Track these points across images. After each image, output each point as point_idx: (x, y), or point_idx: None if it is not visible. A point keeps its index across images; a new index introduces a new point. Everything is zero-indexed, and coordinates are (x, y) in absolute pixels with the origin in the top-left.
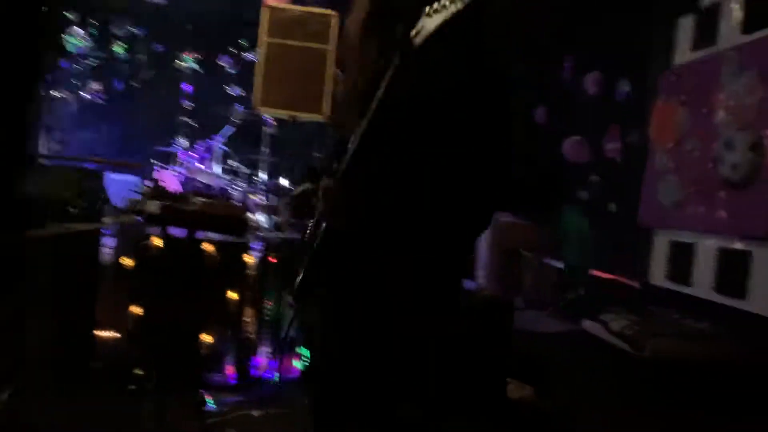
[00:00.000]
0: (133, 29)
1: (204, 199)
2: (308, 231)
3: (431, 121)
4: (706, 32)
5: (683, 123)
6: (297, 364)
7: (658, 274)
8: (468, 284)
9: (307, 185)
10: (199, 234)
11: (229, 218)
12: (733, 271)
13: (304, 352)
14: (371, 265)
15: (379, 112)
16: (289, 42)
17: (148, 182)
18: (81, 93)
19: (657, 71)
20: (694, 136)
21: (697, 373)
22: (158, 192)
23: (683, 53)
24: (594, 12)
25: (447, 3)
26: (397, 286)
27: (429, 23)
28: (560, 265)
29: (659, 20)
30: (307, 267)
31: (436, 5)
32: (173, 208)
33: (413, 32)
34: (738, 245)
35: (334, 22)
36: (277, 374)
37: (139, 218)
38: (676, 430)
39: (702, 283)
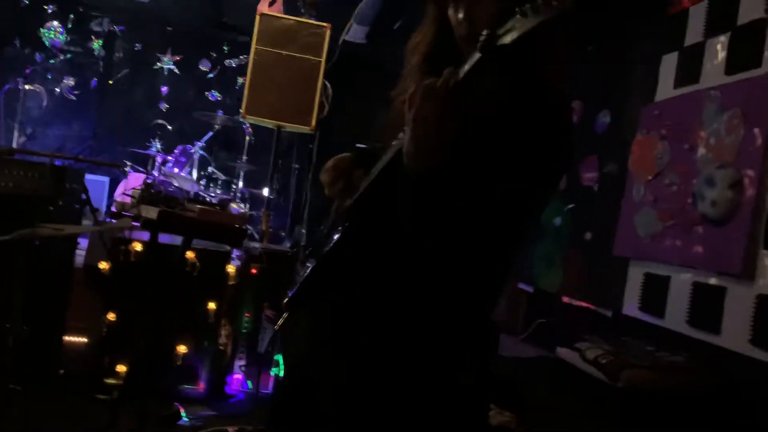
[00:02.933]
0: (112, 26)
1: (201, 206)
2: (324, 231)
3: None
4: (689, 70)
5: (663, 157)
6: (271, 379)
7: (632, 304)
8: None
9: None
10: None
11: (228, 227)
12: (707, 306)
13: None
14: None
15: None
16: (280, 51)
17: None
18: (54, 88)
19: (639, 105)
20: (673, 171)
21: (671, 405)
22: (152, 195)
23: (666, 89)
24: (579, 43)
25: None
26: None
27: (522, 24)
28: (531, 289)
29: (644, 56)
30: (310, 274)
31: (534, 3)
32: (172, 214)
33: (501, 30)
34: (713, 281)
35: (328, 34)
36: (252, 389)
37: (135, 222)
38: None
39: (675, 316)
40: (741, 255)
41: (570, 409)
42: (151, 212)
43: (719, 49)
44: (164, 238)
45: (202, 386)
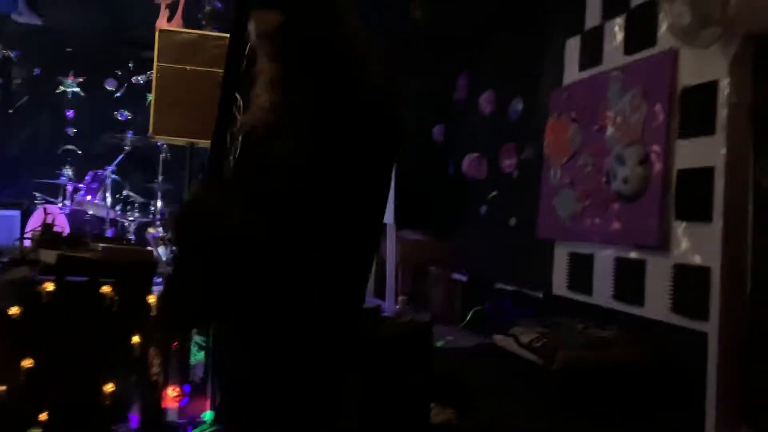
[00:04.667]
0: (7, 51)
1: (105, 244)
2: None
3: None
4: (592, 53)
5: (575, 139)
6: (207, 413)
7: (560, 284)
8: (384, 307)
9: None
10: None
11: (134, 264)
12: (630, 279)
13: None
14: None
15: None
16: (184, 67)
17: (35, 222)
18: None
19: (548, 90)
20: (586, 152)
21: (605, 380)
22: (51, 237)
23: (572, 73)
24: (487, 32)
25: None
26: (293, 316)
27: None
28: (465, 278)
29: (549, 41)
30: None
31: None
32: (71, 257)
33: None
34: (633, 254)
35: None
36: (187, 418)
37: (32, 270)
38: None
39: (602, 292)
40: (656, 227)
41: (510, 397)
42: (49, 257)
43: (617, 30)
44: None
45: (134, 422)
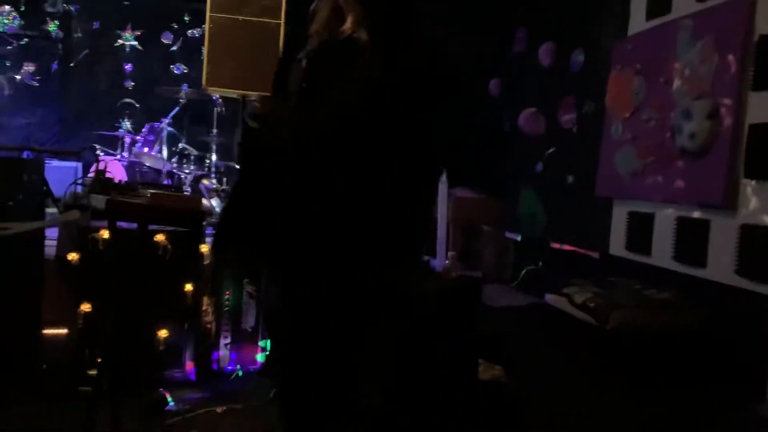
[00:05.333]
0: (67, 6)
1: (154, 191)
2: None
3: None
4: (661, 1)
5: (639, 93)
6: (258, 356)
7: (618, 244)
8: (434, 264)
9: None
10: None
11: (182, 211)
12: (692, 240)
13: (265, 343)
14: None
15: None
16: (236, 17)
17: (91, 171)
18: (13, 75)
19: (611, 41)
20: (650, 106)
21: (660, 342)
22: (103, 184)
23: (638, 22)
24: None
25: None
26: (347, 270)
27: None
28: (518, 237)
29: None
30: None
31: None
32: (120, 202)
33: None
34: (696, 214)
35: None
36: (238, 367)
37: (83, 214)
38: (642, 402)
39: (661, 253)
40: (722, 186)
41: (560, 356)
42: (99, 202)
43: None
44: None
45: (187, 369)
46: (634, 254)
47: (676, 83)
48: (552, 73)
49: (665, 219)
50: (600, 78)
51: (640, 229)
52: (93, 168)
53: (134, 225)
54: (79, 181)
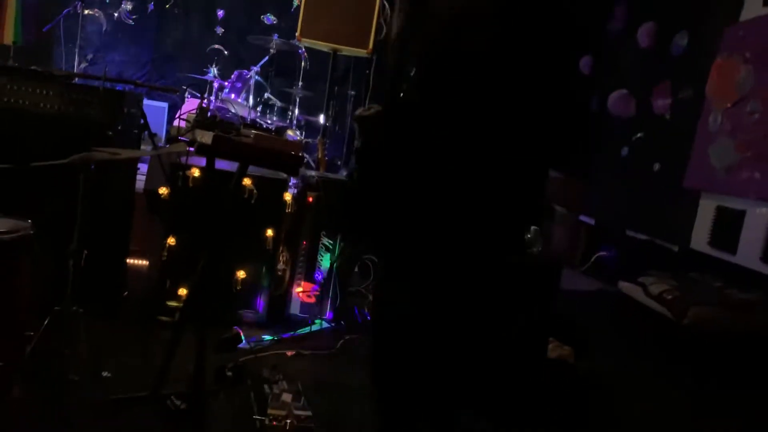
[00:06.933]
0: None
1: (258, 132)
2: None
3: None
4: None
5: (745, 82)
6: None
7: (701, 239)
8: None
9: (376, 106)
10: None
11: (284, 154)
12: None
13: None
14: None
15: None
16: None
17: (187, 109)
18: (112, 12)
19: (721, 25)
20: (756, 98)
21: (741, 346)
22: (207, 120)
23: (754, 7)
24: None
25: None
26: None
27: None
28: (592, 222)
29: None
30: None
31: None
32: (226, 139)
33: None
34: None
35: None
36: (308, 315)
37: (189, 148)
38: (713, 404)
39: (748, 252)
40: None
41: (630, 345)
42: (205, 137)
43: None
44: (222, 164)
45: (260, 311)
46: (717, 251)
47: None
48: (650, 55)
49: (757, 218)
50: (702, 64)
51: (728, 226)
52: (185, 106)
53: (224, 165)
54: (184, 116)
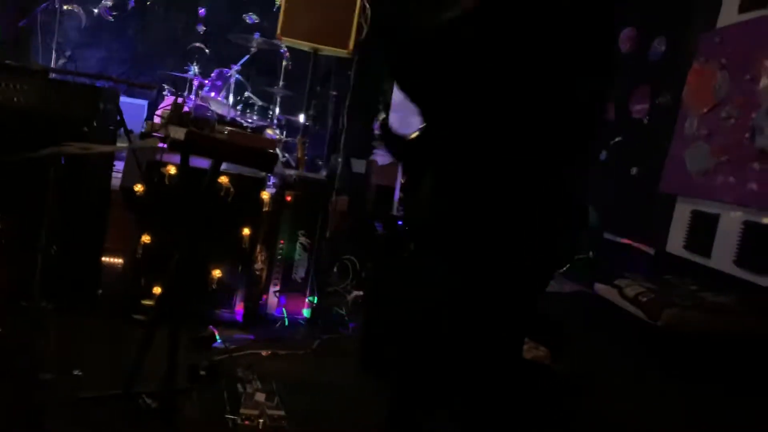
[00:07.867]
0: None
1: (231, 129)
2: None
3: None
4: None
5: (721, 88)
6: (305, 311)
7: (676, 242)
8: None
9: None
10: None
11: (258, 151)
12: (758, 246)
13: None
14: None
15: None
16: None
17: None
18: (92, 8)
19: (698, 32)
20: (731, 103)
21: (714, 347)
22: (181, 117)
23: (729, 14)
24: None
25: None
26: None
27: None
28: None
29: None
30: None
31: None
32: (200, 135)
33: None
34: (766, 219)
35: None
36: (285, 315)
37: (161, 144)
38: (688, 405)
39: (722, 256)
40: None
41: (606, 347)
42: (178, 133)
43: None
44: (200, 162)
45: (236, 311)
46: (692, 254)
47: (764, 82)
48: (628, 60)
49: (731, 221)
50: (680, 69)
51: (703, 230)
52: (164, 103)
53: (201, 163)
54: (158, 113)
